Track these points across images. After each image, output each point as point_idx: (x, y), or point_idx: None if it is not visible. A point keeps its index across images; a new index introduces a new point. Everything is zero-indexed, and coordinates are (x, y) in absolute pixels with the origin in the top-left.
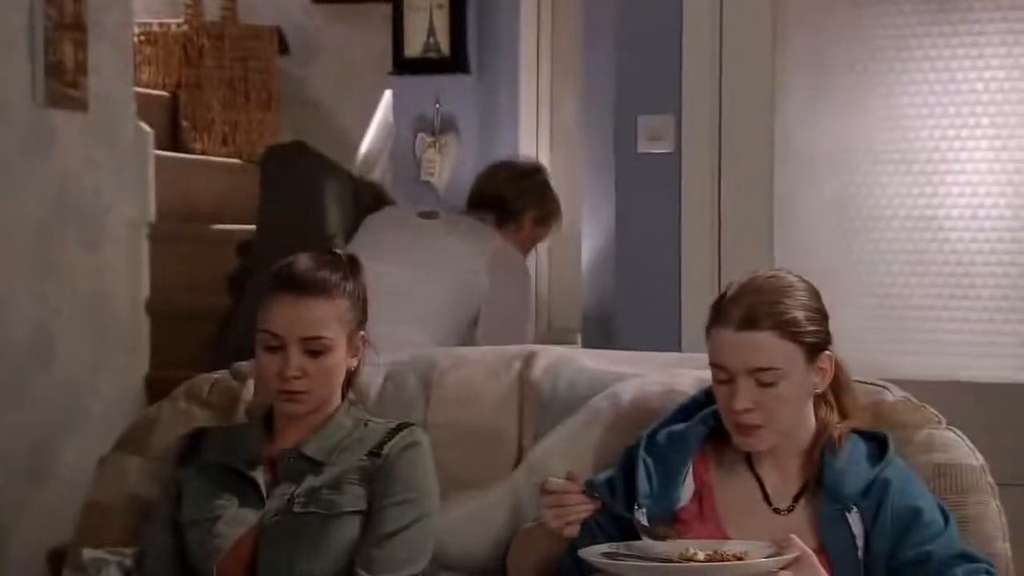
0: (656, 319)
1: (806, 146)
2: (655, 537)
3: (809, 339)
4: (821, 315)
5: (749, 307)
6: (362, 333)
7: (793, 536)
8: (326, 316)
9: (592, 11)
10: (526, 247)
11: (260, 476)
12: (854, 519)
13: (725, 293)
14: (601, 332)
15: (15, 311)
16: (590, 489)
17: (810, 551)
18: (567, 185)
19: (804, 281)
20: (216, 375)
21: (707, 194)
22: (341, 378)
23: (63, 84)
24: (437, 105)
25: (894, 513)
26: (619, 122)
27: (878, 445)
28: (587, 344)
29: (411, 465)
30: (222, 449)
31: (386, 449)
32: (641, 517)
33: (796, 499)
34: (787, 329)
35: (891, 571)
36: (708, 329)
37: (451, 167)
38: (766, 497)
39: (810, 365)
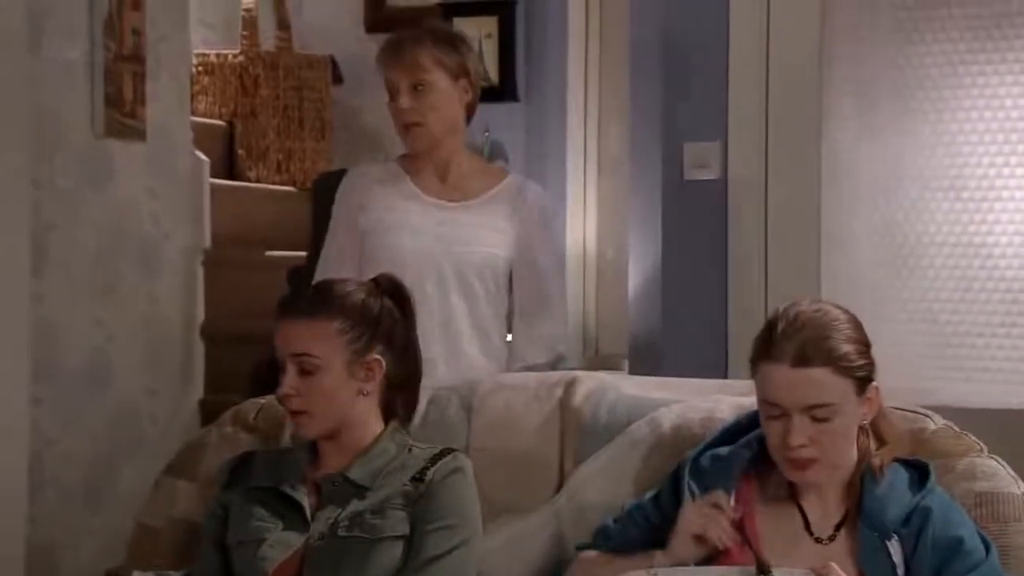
0: (703, 346)
1: (854, 172)
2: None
3: (859, 372)
4: (866, 346)
5: (801, 344)
6: (376, 357)
7: (832, 564)
8: (312, 334)
9: (639, 39)
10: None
11: (305, 499)
12: (894, 547)
13: (773, 328)
14: (648, 358)
15: (73, 337)
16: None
17: None
18: (614, 212)
19: (847, 312)
20: (263, 400)
21: (754, 221)
22: (345, 401)
23: (122, 115)
24: (486, 133)
25: (935, 542)
26: (665, 149)
27: (919, 474)
28: (634, 370)
29: (453, 491)
30: (268, 473)
31: (429, 475)
32: None
33: (837, 528)
34: (840, 364)
35: None
36: (756, 363)
37: None
38: (807, 526)
39: (860, 397)
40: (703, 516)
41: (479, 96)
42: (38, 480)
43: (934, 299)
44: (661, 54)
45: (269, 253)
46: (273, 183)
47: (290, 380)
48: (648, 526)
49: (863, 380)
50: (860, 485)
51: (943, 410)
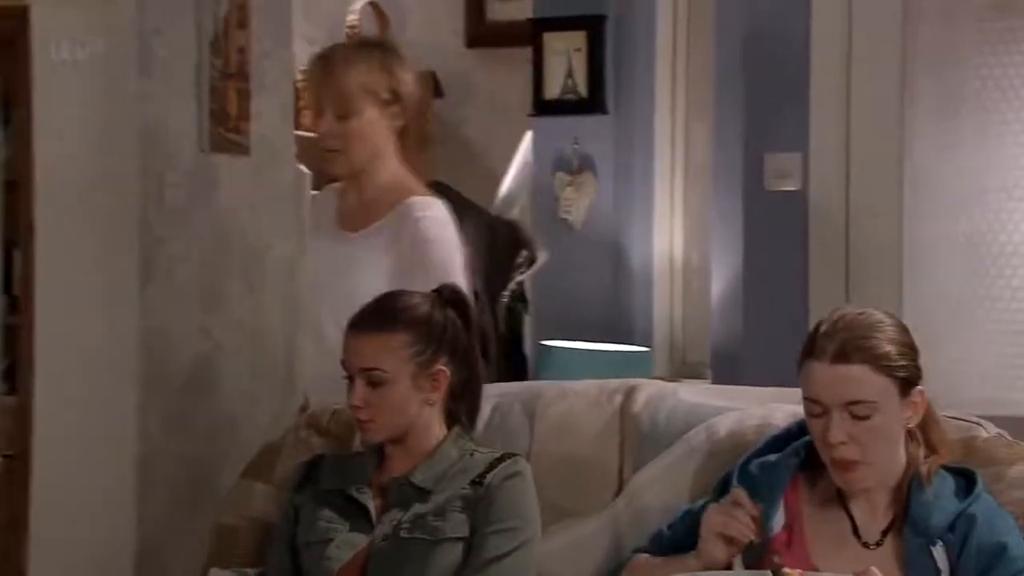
0: (784, 355)
1: (936, 183)
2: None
3: (901, 373)
4: (912, 350)
5: (842, 342)
6: (440, 367)
7: (873, 568)
8: (380, 349)
9: (723, 51)
10: None
11: (370, 502)
12: (939, 553)
13: (817, 328)
14: (730, 368)
15: (179, 345)
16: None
17: None
18: (700, 221)
19: (893, 317)
20: (336, 405)
21: (835, 231)
22: (411, 410)
23: (226, 130)
24: (575, 144)
25: (979, 548)
26: (747, 159)
27: (966, 481)
28: (717, 379)
29: (512, 494)
30: (337, 476)
31: (488, 479)
32: None
33: (885, 533)
34: (880, 363)
35: None
36: (800, 363)
37: (588, 205)
38: (855, 531)
39: (903, 400)
40: (723, 514)
41: (416, 117)
42: (145, 483)
43: (1017, 308)
44: (744, 66)
45: None
46: None
47: (359, 392)
48: (697, 531)
49: (905, 381)
50: (908, 491)
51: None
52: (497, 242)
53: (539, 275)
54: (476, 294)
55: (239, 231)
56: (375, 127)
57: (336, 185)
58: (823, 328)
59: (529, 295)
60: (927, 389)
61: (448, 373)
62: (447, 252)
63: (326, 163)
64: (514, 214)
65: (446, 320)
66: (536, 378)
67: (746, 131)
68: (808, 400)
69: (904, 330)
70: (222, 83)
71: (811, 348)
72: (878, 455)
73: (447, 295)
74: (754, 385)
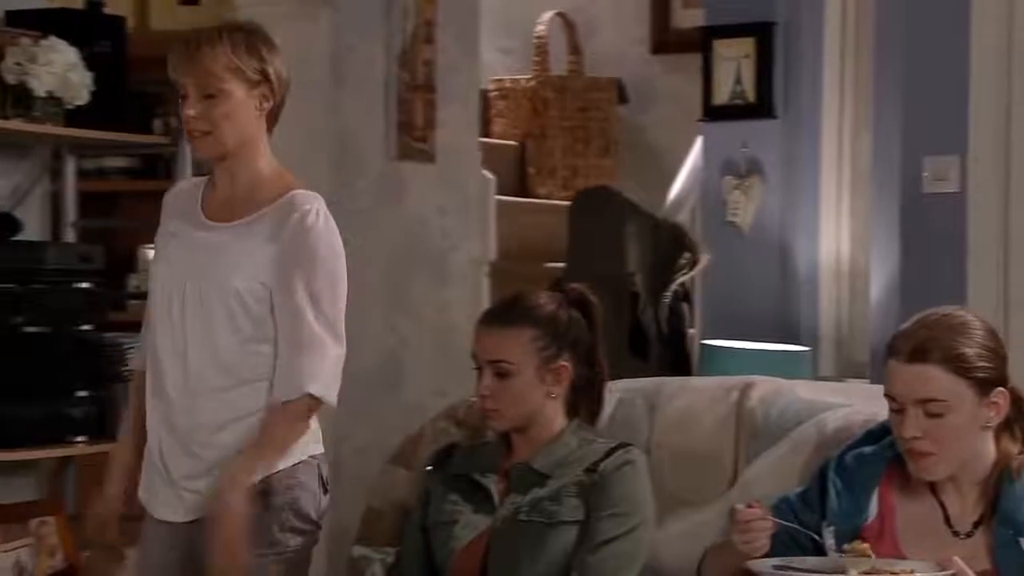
0: None
1: None
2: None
3: (979, 375)
4: (995, 353)
5: (920, 341)
6: (563, 363)
7: (956, 558)
8: (507, 343)
9: (884, 56)
10: None
11: (493, 486)
12: None
13: (902, 328)
14: None
15: (368, 341)
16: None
17: (971, 572)
18: (865, 223)
19: (981, 320)
20: (473, 399)
21: (994, 234)
22: (535, 401)
23: (413, 139)
24: (743, 149)
25: None
26: (905, 162)
27: None
28: (876, 379)
29: (624, 481)
30: (465, 462)
31: (602, 466)
32: (828, 535)
33: (976, 525)
34: (955, 364)
35: None
36: (885, 360)
37: (755, 208)
38: (947, 521)
39: (981, 400)
40: (742, 533)
41: (283, 102)
42: (337, 470)
43: None
44: (904, 70)
45: (548, 265)
46: (560, 199)
47: (486, 382)
48: (792, 519)
49: (984, 382)
50: (998, 485)
51: None
52: (661, 244)
53: (707, 276)
54: (637, 294)
55: (425, 234)
56: (244, 107)
57: (196, 180)
58: (905, 327)
59: (694, 296)
60: None
61: (570, 369)
62: (334, 244)
63: (193, 147)
64: (682, 217)
65: (570, 319)
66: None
67: (905, 134)
68: (887, 396)
69: (991, 334)
70: (409, 95)
71: (892, 346)
72: (952, 450)
73: (573, 296)
74: None
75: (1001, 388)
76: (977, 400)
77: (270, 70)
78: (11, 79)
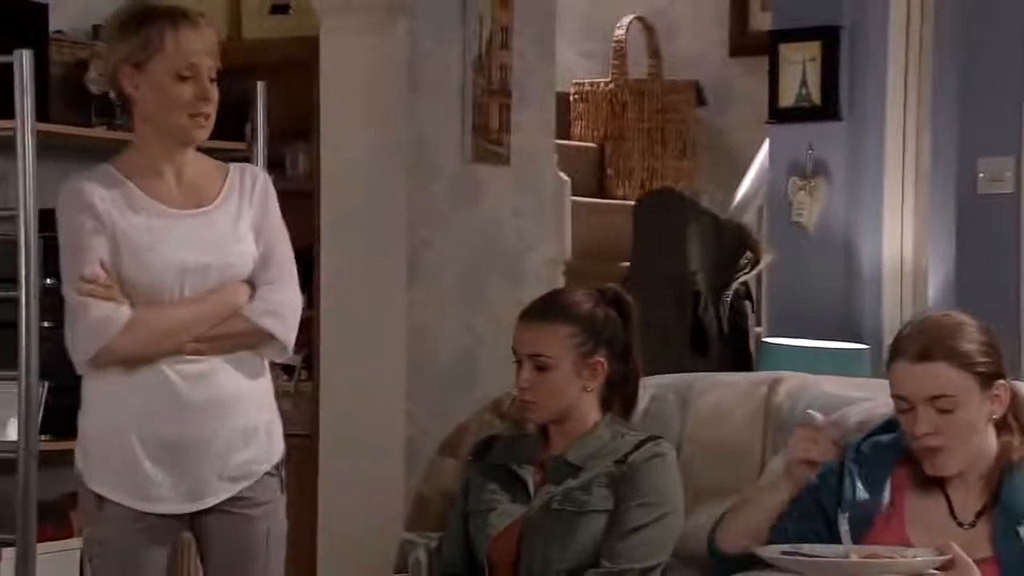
0: None
1: None
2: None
3: (981, 369)
4: (992, 348)
5: (924, 342)
6: (598, 359)
7: (952, 544)
8: (547, 338)
9: (942, 56)
10: None
11: (529, 476)
12: None
13: (902, 331)
14: None
15: (444, 339)
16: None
17: (969, 559)
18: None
19: (975, 319)
20: (515, 393)
21: None
22: (571, 395)
23: (488, 142)
24: (809, 151)
25: None
26: (961, 163)
27: None
28: None
29: (653, 472)
30: (505, 453)
31: (631, 458)
32: (843, 522)
33: (979, 515)
34: (959, 360)
35: None
36: (888, 364)
37: (820, 209)
38: (952, 512)
39: (984, 393)
40: (806, 440)
41: None
42: (413, 463)
43: None
44: (960, 72)
45: (622, 264)
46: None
47: (526, 375)
48: (809, 497)
49: (986, 376)
50: (1000, 476)
51: None
52: (724, 244)
53: (772, 276)
54: (699, 292)
55: (501, 234)
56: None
57: (108, 170)
58: (907, 330)
59: (758, 294)
60: None
61: (606, 365)
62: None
63: (196, 131)
64: (749, 217)
65: (607, 317)
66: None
67: (960, 135)
68: (896, 397)
69: (986, 330)
70: (485, 99)
71: (896, 349)
72: (962, 444)
73: (609, 296)
74: None
75: (1001, 381)
76: (981, 393)
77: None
78: (95, 89)
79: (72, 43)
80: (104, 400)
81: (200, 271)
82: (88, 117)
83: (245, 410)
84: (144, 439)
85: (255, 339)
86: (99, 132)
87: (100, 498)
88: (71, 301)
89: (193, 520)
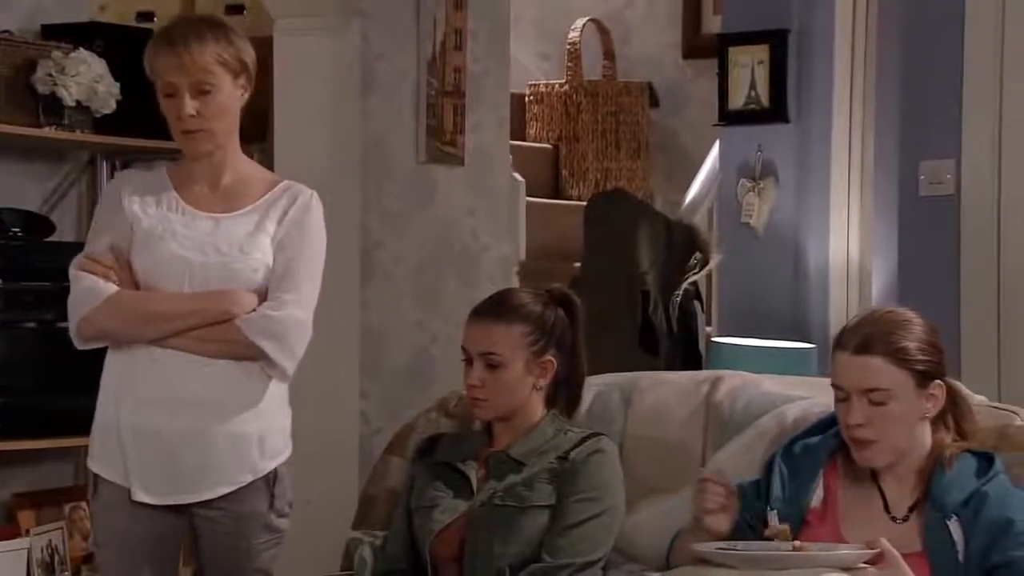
0: None
1: None
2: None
3: (919, 367)
4: (934, 348)
5: (865, 335)
6: (548, 357)
7: (882, 539)
8: (499, 336)
9: (882, 62)
10: None
11: (473, 473)
12: (954, 527)
13: (848, 323)
14: None
15: (398, 339)
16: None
17: (896, 553)
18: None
19: (921, 318)
20: (463, 392)
21: (987, 237)
22: (522, 393)
23: (442, 143)
24: (758, 152)
25: (988, 523)
26: (903, 166)
27: (988, 463)
28: None
29: (594, 468)
30: (449, 450)
31: (573, 454)
32: (772, 518)
33: (911, 509)
34: (897, 356)
35: (985, 574)
36: (832, 353)
37: (769, 210)
38: (886, 507)
39: (920, 391)
40: (695, 498)
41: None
42: (367, 463)
43: None
44: (902, 77)
45: (576, 264)
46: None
47: (477, 373)
48: (747, 505)
49: (923, 375)
50: (931, 472)
51: None
52: (674, 244)
53: (722, 276)
54: (648, 292)
55: (456, 235)
56: (232, 99)
57: (161, 171)
58: (852, 323)
59: (708, 294)
60: None
61: (555, 363)
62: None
63: (188, 144)
64: (699, 218)
65: (556, 317)
66: None
67: (902, 139)
68: (834, 386)
69: (931, 330)
70: (439, 100)
71: (839, 340)
72: (892, 438)
73: (557, 295)
74: None
75: (939, 381)
76: (916, 391)
77: (246, 58)
78: (43, 89)
79: (20, 43)
80: (105, 383)
81: (202, 271)
82: (36, 117)
83: (237, 415)
84: (134, 426)
85: (245, 349)
86: (47, 132)
87: (96, 478)
88: (70, 276)
89: (182, 513)
